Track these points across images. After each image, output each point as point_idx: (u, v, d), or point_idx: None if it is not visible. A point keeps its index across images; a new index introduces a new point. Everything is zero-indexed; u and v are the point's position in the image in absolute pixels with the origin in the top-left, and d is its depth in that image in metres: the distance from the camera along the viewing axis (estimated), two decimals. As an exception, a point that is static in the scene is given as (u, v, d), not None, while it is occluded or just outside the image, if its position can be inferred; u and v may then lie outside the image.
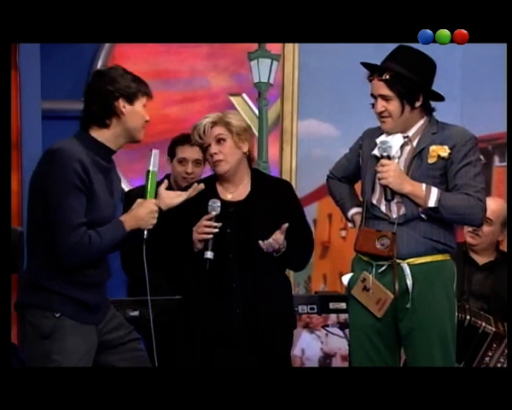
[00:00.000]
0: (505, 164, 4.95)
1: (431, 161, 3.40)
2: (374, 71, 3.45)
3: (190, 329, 3.64)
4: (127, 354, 3.31)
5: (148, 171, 3.25)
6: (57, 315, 3.12)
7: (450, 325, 3.45)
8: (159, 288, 4.00)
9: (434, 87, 3.50)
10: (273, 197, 3.62)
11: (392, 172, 3.37)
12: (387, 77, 3.41)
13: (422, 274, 3.40)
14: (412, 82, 3.39)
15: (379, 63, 3.49)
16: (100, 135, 3.18)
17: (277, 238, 3.48)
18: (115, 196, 3.28)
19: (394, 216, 3.42)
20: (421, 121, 3.46)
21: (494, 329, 3.94)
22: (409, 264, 3.40)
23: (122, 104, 3.18)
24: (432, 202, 3.36)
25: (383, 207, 3.44)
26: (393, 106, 3.41)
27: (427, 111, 3.46)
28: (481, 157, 3.55)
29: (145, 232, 3.22)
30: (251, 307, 3.54)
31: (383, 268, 3.42)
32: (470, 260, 4.24)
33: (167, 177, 4.38)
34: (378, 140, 3.45)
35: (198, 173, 4.33)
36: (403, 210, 3.41)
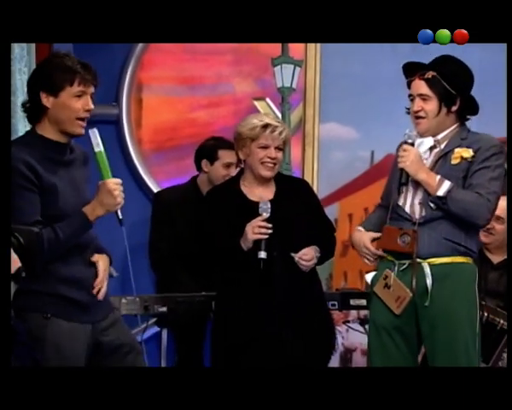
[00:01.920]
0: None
1: (454, 162, 3.40)
2: (417, 70, 3.44)
3: (230, 323, 3.60)
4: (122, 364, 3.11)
5: (95, 153, 2.99)
6: (47, 316, 2.98)
7: (469, 326, 3.42)
8: (185, 286, 4.19)
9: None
10: (297, 195, 3.66)
11: (412, 157, 3.37)
12: (429, 77, 3.39)
13: (442, 274, 3.39)
14: (452, 84, 3.40)
15: (401, 69, 3.49)
16: (43, 130, 3.00)
17: (308, 253, 3.54)
18: (83, 188, 3.07)
19: (417, 217, 3.41)
20: (453, 127, 3.46)
21: None
22: (429, 263, 3.39)
23: (44, 97, 2.95)
24: (441, 192, 3.35)
25: (407, 209, 3.44)
26: (431, 106, 3.41)
27: (461, 117, 3.47)
28: (505, 165, 3.52)
29: (118, 213, 3.01)
30: (296, 300, 3.55)
31: (404, 266, 3.41)
32: (485, 258, 4.17)
33: (194, 178, 4.43)
34: (407, 130, 3.46)
35: None
36: (424, 211, 3.40)
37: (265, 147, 3.57)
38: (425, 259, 3.39)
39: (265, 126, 3.57)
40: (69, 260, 2.99)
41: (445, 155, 3.43)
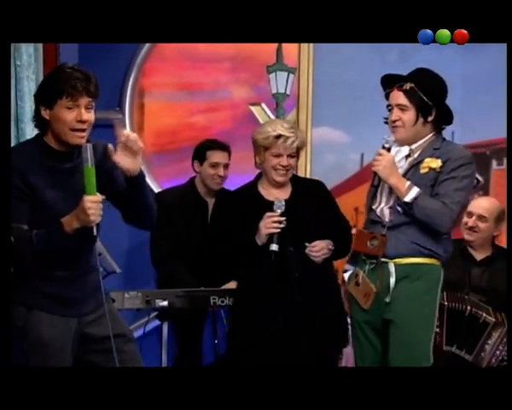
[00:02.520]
0: (502, 167, 4.95)
1: (422, 171, 3.44)
2: (395, 82, 3.48)
3: (249, 312, 3.67)
4: (108, 354, 3.01)
5: (82, 168, 2.90)
6: (30, 308, 2.97)
7: (425, 323, 3.44)
8: (184, 281, 4.22)
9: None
10: (312, 195, 3.74)
11: (385, 162, 3.41)
12: (407, 88, 3.43)
13: (405, 273, 3.43)
14: (429, 95, 3.42)
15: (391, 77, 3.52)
16: (49, 139, 2.97)
17: (317, 245, 3.62)
18: (77, 199, 2.94)
19: (387, 220, 3.46)
20: (429, 136, 3.49)
21: (494, 319, 3.96)
22: (394, 263, 3.44)
23: (43, 110, 2.94)
24: (408, 198, 3.38)
25: (378, 212, 3.50)
26: (408, 116, 3.44)
27: (437, 127, 3.50)
28: (477, 176, 3.59)
29: (94, 230, 2.91)
30: (311, 292, 3.62)
31: (373, 266, 3.48)
32: (469, 255, 4.25)
33: (192, 179, 4.47)
34: (385, 135, 3.50)
35: (226, 176, 4.42)
36: (393, 216, 3.45)
37: (278, 155, 3.66)
38: (391, 259, 3.44)
39: (278, 137, 3.66)
40: (53, 259, 2.97)
41: (417, 164, 3.45)
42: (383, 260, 3.44)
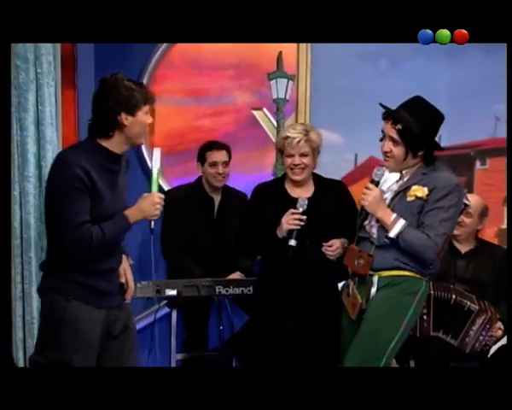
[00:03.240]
0: (485, 167, 4.97)
1: (409, 199, 3.40)
2: (389, 115, 3.40)
3: (268, 302, 3.71)
4: (118, 351, 3.15)
5: (152, 168, 3.14)
6: (68, 298, 3.03)
7: (390, 324, 3.38)
8: (192, 272, 4.33)
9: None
10: (334, 194, 3.80)
11: (371, 198, 3.39)
12: (400, 127, 3.36)
13: (385, 283, 3.45)
14: (419, 136, 3.36)
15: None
16: (104, 141, 3.08)
17: (333, 243, 3.67)
18: (123, 193, 3.14)
19: (374, 236, 3.46)
20: (418, 164, 3.45)
21: (478, 307, 3.99)
22: (378, 275, 3.45)
23: (124, 117, 3.04)
24: (392, 233, 3.38)
25: (368, 229, 3.50)
26: (399, 151, 3.39)
27: (427, 158, 3.44)
28: (465, 202, 3.46)
29: (152, 223, 3.14)
30: (324, 285, 3.68)
31: (360, 280, 3.51)
32: (454, 248, 4.25)
33: (200, 178, 4.58)
34: (376, 168, 3.46)
35: (227, 173, 4.51)
36: (380, 238, 3.45)
37: (290, 156, 3.72)
38: (376, 271, 3.45)
39: (286, 138, 3.72)
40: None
41: (405, 190, 3.41)
42: (370, 272, 3.44)
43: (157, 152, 3.15)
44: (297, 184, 3.80)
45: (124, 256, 3.25)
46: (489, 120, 4.86)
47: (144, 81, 4.86)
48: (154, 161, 3.14)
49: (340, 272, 3.73)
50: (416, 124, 3.36)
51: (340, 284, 3.66)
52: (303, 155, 3.74)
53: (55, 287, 3.06)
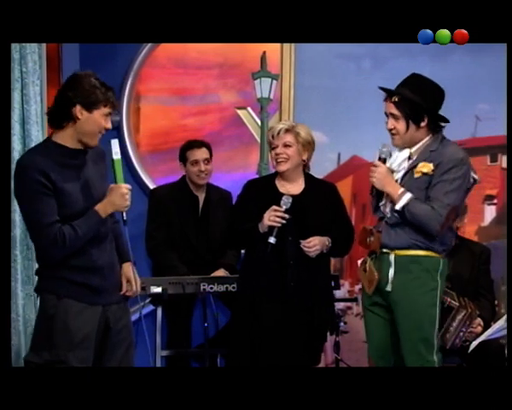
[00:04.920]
0: None
1: (416, 176, 3.44)
2: (388, 93, 3.46)
3: (248, 295, 3.70)
4: (116, 350, 3.13)
5: (112, 160, 3.08)
6: (60, 297, 3.02)
7: (425, 311, 3.43)
8: (176, 269, 4.30)
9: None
10: (323, 194, 3.78)
11: (378, 174, 3.44)
12: (396, 100, 3.42)
13: (403, 264, 3.47)
14: (416, 105, 3.39)
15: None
16: (59, 137, 3.04)
17: (312, 241, 3.63)
18: (98, 185, 3.09)
19: (388, 216, 3.50)
20: (426, 139, 3.47)
21: (458, 303, 4.00)
22: (395, 254, 3.48)
23: (79, 110, 2.98)
24: (398, 206, 3.42)
25: (382, 208, 3.53)
26: (400, 125, 3.43)
27: (433, 130, 3.46)
28: (473, 175, 3.47)
29: (124, 214, 3.10)
30: (303, 280, 3.66)
31: (375, 257, 3.54)
32: None
33: (184, 177, 4.53)
34: (382, 144, 3.50)
35: (210, 170, 4.48)
36: (393, 216, 3.48)
37: (274, 147, 3.69)
38: (392, 250, 3.48)
39: (270, 130, 3.77)
40: (84, 249, 3.05)
41: (413, 168, 3.45)
42: (385, 250, 3.48)
43: (115, 143, 3.09)
44: (286, 179, 3.77)
45: (129, 265, 3.21)
46: (470, 120, 4.84)
47: (129, 80, 4.89)
48: (114, 153, 3.09)
49: (322, 271, 3.72)
50: (411, 94, 3.41)
51: (360, 261, 3.65)
52: (286, 145, 3.71)
53: (47, 287, 3.06)
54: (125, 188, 3.07)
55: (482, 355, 3.86)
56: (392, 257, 3.47)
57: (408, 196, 3.41)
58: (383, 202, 3.51)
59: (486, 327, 3.96)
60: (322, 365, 4.35)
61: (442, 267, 3.49)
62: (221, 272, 4.38)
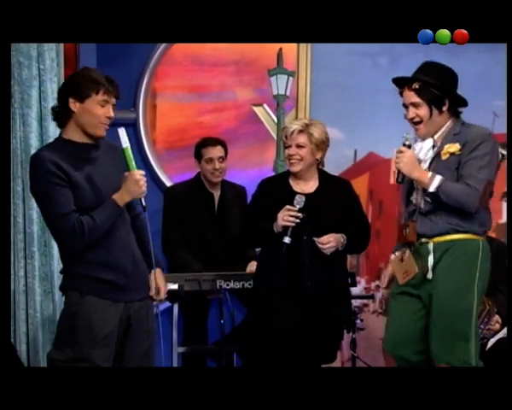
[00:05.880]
0: None
1: (444, 157, 3.39)
2: (405, 83, 3.41)
3: (264, 294, 3.66)
4: (135, 351, 3.10)
5: (122, 149, 3.05)
6: (83, 294, 3.01)
7: (469, 296, 3.36)
8: (191, 266, 4.29)
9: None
10: (337, 191, 3.75)
11: (406, 159, 3.37)
12: (417, 86, 3.37)
13: (443, 249, 3.39)
14: (438, 88, 3.36)
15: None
16: (68, 133, 3.04)
17: (326, 238, 3.60)
18: (114, 178, 3.06)
19: (422, 206, 3.44)
20: (447, 123, 3.43)
21: None
22: (433, 242, 3.40)
23: (72, 102, 2.98)
24: (432, 188, 3.34)
25: (414, 200, 3.46)
26: (423, 111, 3.38)
27: (454, 114, 3.44)
28: (501, 151, 3.45)
29: (142, 200, 3.08)
30: (320, 279, 3.62)
31: (414, 248, 3.46)
32: None
33: (198, 174, 4.51)
34: (404, 133, 3.44)
35: (224, 168, 4.46)
36: (425, 203, 3.42)
37: (288, 146, 3.68)
38: (430, 238, 3.41)
39: (283, 129, 3.76)
40: (108, 247, 3.05)
41: (440, 153, 3.41)
42: (423, 240, 3.41)
43: (122, 131, 3.06)
44: (300, 178, 3.75)
45: (160, 272, 3.22)
46: (487, 117, 4.79)
47: (146, 78, 4.89)
48: (123, 142, 3.06)
49: (338, 269, 3.68)
50: (431, 79, 3.37)
51: (393, 256, 3.54)
52: (299, 146, 3.69)
53: (70, 285, 3.06)
54: (138, 174, 3.04)
55: (500, 353, 3.82)
56: (430, 246, 3.40)
57: (439, 177, 3.35)
58: (414, 195, 3.46)
59: (504, 324, 3.93)
60: (338, 362, 4.37)
61: (483, 248, 3.41)
62: (253, 265, 4.24)
